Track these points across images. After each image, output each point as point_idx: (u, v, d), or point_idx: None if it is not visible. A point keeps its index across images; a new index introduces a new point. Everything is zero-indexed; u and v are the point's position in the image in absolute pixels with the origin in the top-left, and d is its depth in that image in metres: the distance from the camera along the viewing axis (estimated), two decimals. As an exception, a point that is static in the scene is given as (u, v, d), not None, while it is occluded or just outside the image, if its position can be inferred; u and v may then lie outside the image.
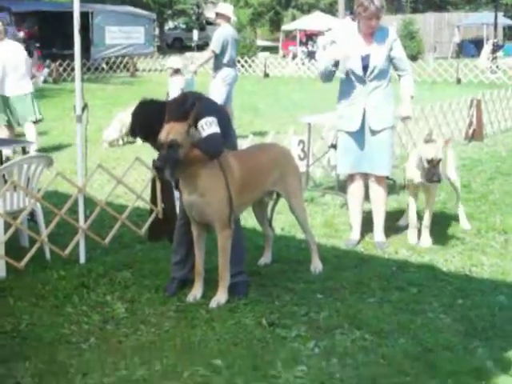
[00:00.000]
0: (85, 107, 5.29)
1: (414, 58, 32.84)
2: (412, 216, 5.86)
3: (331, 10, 49.03)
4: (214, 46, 10.44)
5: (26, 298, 4.72)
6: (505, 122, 12.43)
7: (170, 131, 4.22)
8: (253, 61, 27.13)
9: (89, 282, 5.00)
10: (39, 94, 17.66)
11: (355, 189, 5.84)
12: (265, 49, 46.77)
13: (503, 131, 12.13)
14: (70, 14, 20.95)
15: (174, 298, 4.72)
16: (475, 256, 5.53)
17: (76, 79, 5.32)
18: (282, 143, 7.45)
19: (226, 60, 10.53)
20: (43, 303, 4.64)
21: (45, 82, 22.40)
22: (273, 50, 43.48)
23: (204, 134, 4.33)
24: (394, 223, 6.29)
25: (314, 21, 37.79)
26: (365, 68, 5.55)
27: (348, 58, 5.51)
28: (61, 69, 23.68)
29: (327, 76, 5.65)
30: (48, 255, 5.45)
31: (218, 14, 10.75)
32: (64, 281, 5.03)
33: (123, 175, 5.83)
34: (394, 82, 5.79)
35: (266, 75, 26.16)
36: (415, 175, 5.65)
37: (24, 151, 6.11)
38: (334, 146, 6.97)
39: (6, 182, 5.24)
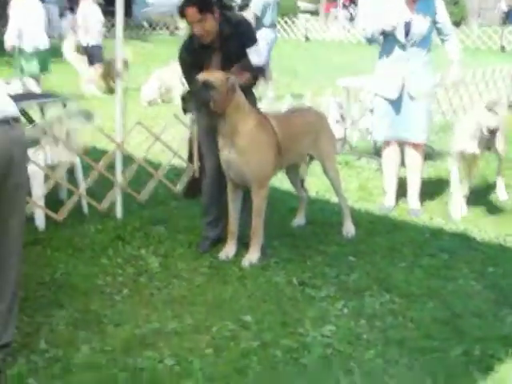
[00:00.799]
0: (125, 64, 5.33)
1: (457, 24, 32.16)
2: (457, 187, 5.69)
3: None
4: (255, 8, 10.44)
5: (63, 249, 4.84)
6: None
7: (209, 74, 4.29)
8: (293, 22, 26.80)
9: (124, 236, 5.11)
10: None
11: (391, 154, 5.82)
12: (305, 11, 46.33)
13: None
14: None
15: (207, 254, 4.80)
16: (511, 226, 5.49)
17: (117, 36, 5.35)
18: (319, 105, 7.48)
19: (266, 22, 10.51)
20: (79, 255, 4.77)
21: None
22: (314, 13, 42.92)
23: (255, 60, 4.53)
24: (431, 190, 6.25)
25: (357, -17, 37.06)
26: (406, 34, 5.48)
27: (394, 28, 5.44)
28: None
29: (373, 42, 5.64)
30: (86, 209, 5.57)
31: None
32: (100, 234, 5.16)
33: (161, 133, 5.89)
34: (434, 50, 5.72)
35: (307, 38, 25.87)
36: (469, 145, 5.42)
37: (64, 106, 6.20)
38: (372, 110, 6.92)
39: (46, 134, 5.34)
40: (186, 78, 4.74)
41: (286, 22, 26.33)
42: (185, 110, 4.37)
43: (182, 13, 4.49)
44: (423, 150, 5.85)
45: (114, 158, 5.53)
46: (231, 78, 4.29)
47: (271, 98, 10.50)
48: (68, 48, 12.60)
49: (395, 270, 4.56)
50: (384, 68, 5.66)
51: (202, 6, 4.38)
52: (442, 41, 5.71)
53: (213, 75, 4.29)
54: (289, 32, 26.22)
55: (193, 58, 4.57)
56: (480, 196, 6.20)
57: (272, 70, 11.39)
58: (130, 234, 5.16)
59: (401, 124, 5.63)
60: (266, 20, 10.50)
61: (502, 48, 21.65)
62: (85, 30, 12.20)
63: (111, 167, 5.64)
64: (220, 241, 4.91)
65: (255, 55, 4.58)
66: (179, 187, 5.99)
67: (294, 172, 5.27)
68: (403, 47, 5.53)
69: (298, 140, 4.79)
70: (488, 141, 5.33)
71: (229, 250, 4.75)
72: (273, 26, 10.74)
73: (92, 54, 12.28)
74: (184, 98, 4.28)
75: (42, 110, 6.34)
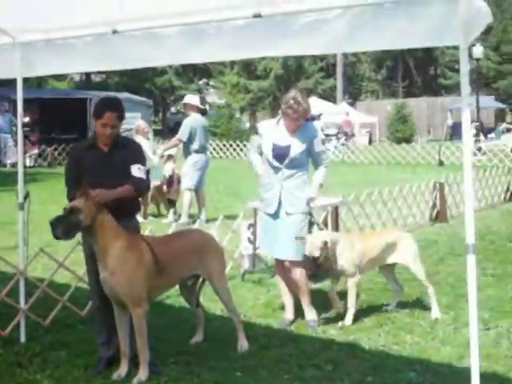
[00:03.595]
0: (27, 195, 5.66)
1: (406, 140, 33.66)
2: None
3: (332, 94, 50.39)
4: (181, 134, 11.03)
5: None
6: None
7: (75, 200, 4.63)
8: (244, 145, 27.82)
9: (23, 361, 5.24)
10: (31, 177, 18.35)
11: (280, 270, 6.15)
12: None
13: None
14: (70, 101, 22.36)
15: (101, 375, 4.95)
16: (400, 335, 5.75)
17: (19, 168, 5.72)
18: (231, 227, 7.87)
19: (195, 147, 11.07)
20: (-26, 381, 4.89)
21: (37, 164, 23.15)
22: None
23: (138, 175, 4.84)
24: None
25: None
26: (283, 157, 5.94)
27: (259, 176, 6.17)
28: (56, 153, 24.41)
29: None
30: (-9, 334, 5.72)
31: (186, 105, 11.39)
32: (0, 359, 5.29)
33: (65, 258, 6.16)
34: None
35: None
36: None
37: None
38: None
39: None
40: (68, 182, 5.01)
41: (237, 145, 27.35)
42: (55, 235, 4.62)
43: (101, 114, 4.85)
44: (304, 265, 5.99)
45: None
46: (95, 202, 4.59)
47: (203, 220, 10.87)
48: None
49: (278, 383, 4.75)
50: (264, 189, 6.09)
51: (121, 114, 4.89)
52: (315, 168, 6.17)
53: (78, 200, 4.60)
54: (238, 152, 27.17)
55: (82, 154, 4.96)
56: (376, 306, 6.49)
57: (205, 193, 11.81)
58: (28, 359, 5.27)
59: (277, 242, 5.98)
60: (195, 145, 11.06)
61: (441, 162, 22.70)
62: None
63: (15, 292, 5.84)
64: (115, 361, 5.07)
65: (139, 172, 4.91)
66: (86, 311, 6.17)
67: (187, 291, 5.52)
68: (279, 169, 5.97)
69: (179, 262, 5.04)
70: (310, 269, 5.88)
71: (121, 369, 4.91)
72: (203, 150, 11.28)
73: None
74: (52, 224, 4.56)
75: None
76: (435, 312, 6.23)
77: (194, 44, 4.43)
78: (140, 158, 5.06)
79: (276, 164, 5.97)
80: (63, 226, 4.53)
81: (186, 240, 5.25)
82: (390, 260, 6.33)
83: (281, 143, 5.95)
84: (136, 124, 12.45)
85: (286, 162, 5.94)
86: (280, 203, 5.96)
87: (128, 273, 4.68)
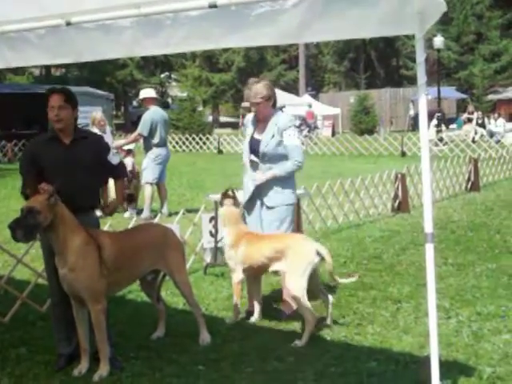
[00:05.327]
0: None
1: (369, 131, 33.93)
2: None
3: (295, 86, 50.52)
4: (142, 128, 10.91)
5: None
6: (433, 193, 12.91)
7: (32, 199, 4.53)
8: (207, 138, 27.77)
9: (-18, 359, 5.17)
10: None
11: None
12: (227, 124, 47.96)
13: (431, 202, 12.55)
14: (29, 95, 22.02)
15: (62, 372, 4.89)
16: (362, 325, 5.79)
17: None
18: (193, 220, 7.83)
19: (156, 141, 10.97)
20: None
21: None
22: (235, 125, 44.51)
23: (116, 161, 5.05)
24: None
25: (271, 98, 38.74)
26: (256, 152, 5.93)
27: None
28: (16, 148, 24.04)
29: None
30: None
31: (144, 100, 11.28)
32: (-42, 358, 5.19)
33: (24, 254, 6.06)
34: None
35: (220, 152, 26.75)
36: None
37: None
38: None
39: None
40: (23, 176, 4.94)
41: (200, 139, 27.29)
42: (15, 239, 4.52)
43: (47, 99, 4.87)
44: None
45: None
46: (51, 198, 4.50)
47: (165, 214, 10.81)
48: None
49: (240, 377, 4.73)
50: (246, 183, 6.09)
51: (68, 97, 4.87)
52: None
53: (35, 200, 4.51)
54: (201, 145, 27.13)
55: (41, 147, 4.90)
56: (338, 297, 6.52)
57: (167, 187, 11.74)
58: (-13, 357, 5.21)
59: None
60: (156, 139, 10.96)
61: (403, 153, 22.92)
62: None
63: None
64: (76, 357, 5.01)
65: (115, 158, 5.06)
66: (46, 307, 6.09)
67: (147, 286, 5.48)
68: (256, 164, 5.97)
69: (138, 257, 5.00)
70: None
71: (82, 365, 4.86)
72: (163, 144, 11.19)
73: None
74: (11, 227, 4.45)
75: None
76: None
77: (149, 35, 4.35)
78: (106, 146, 5.10)
79: (254, 159, 5.96)
80: (23, 229, 4.44)
81: (145, 234, 5.20)
82: (274, 267, 5.67)
83: (256, 137, 5.97)
84: (92, 116, 11.84)
85: (260, 156, 5.93)
86: (255, 197, 5.97)
87: (87, 269, 4.62)
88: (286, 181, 6.00)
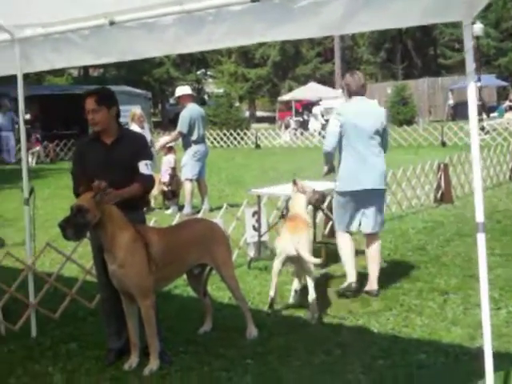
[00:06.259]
0: (32, 191, 5.64)
1: (408, 122, 33.52)
2: None
3: (330, 79, 50.26)
4: (181, 126, 10.98)
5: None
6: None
7: (80, 198, 4.59)
8: (245, 133, 27.81)
9: (35, 355, 5.26)
10: (35, 174, 18.40)
11: (347, 241, 6.56)
12: (264, 119, 47.99)
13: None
14: (69, 96, 22.15)
15: (112, 366, 4.96)
16: (410, 317, 5.75)
17: (23, 163, 5.71)
18: (236, 215, 7.86)
19: (194, 137, 11.05)
20: (-12, 376, 4.91)
21: (40, 161, 23.16)
22: (272, 120, 44.50)
23: (146, 172, 4.87)
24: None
25: (308, 91, 38.71)
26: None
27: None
28: (58, 149, 24.42)
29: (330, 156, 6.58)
30: (3, 330, 5.73)
31: (180, 97, 11.33)
32: (12, 354, 5.31)
33: (72, 252, 6.16)
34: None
35: (258, 146, 26.78)
36: None
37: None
38: (283, 216, 7.33)
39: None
40: (73, 177, 5.03)
41: (238, 134, 27.37)
42: (66, 238, 4.59)
43: (83, 99, 4.90)
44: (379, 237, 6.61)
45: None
46: (97, 196, 4.54)
47: (206, 209, 10.86)
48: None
49: (288, 370, 4.74)
50: (344, 168, 6.38)
51: (101, 98, 4.85)
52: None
53: (83, 198, 4.57)
54: (239, 140, 27.20)
55: (85, 148, 4.99)
56: (386, 289, 6.49)
57: (207, 183, 11.80)
58: (40, 352, 5.30)
59: (360, 216, 6.45)
60: (194, 136, 11.03)
61: (443, 143, 22.65)
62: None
63: (25, 287, 5.85)
64: (126, 352, 5.08)
65: (146, 169, 4.92)
66: (95, 303, 6.18)
67: (195, 280, 5.52)
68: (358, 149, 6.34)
69: (185, 252, 5.04)
70: None
71: (132, 360, 4.93)
72: (201, 140, 11.26)
73: None
74: (61, 226, 4.51)
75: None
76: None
77: (191, 33, 4.40)
78: (147, 153, 5.06)
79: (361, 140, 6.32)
80: (73, 228, 4.50)
81: (192, 230, 5.24)
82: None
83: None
84: (131, 112, 11.78)
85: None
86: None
87: (136, 265, 4.67)
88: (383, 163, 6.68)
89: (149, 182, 4.95)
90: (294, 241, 5.72)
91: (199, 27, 4.32)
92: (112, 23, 4.58)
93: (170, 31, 4.47)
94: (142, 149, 5.02)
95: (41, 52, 5.22)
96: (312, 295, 5.75)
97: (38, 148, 24.11)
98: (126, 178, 4.82)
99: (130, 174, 4.85)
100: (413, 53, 56.46)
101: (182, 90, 11.54)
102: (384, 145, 6.51)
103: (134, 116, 11.62)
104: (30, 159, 23.21)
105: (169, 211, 11.45)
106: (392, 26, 3.89)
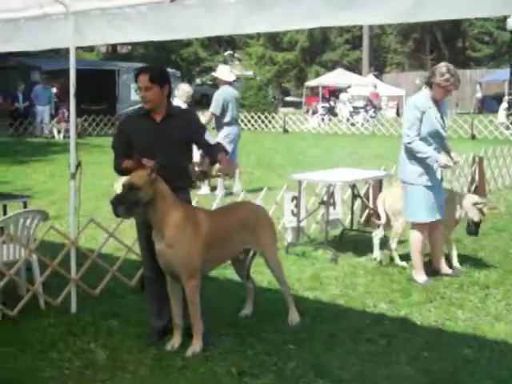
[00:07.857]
0: (78, 165, 5.64)
1: (435, 113, 33.13)
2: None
3: (357, 66, 49.88)
4: (214, 108, 10.90)
5: (14, 344, 4.99)
6: (510, 178, 12.60)
7: (133, 175, 4.56)
8: (273, 117, 27.70)
9: (76, 330, 5.27)
10: (62, 148, 18.47)
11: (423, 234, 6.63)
12: (290, 104, 47.73)
13: (508, 187, 12.29)
14: (99, 72, 22.14)
15: (154, 346, 4.96)
16: (452, 310, 5.70)
17: (71, 139, 5.71)
18: (275, 199, 7.83)
19: (227, 119, 10.96)
20: (29, 349, 4.92)
21: (67, 136, 23.20)
22: (298, 105, 44.27)
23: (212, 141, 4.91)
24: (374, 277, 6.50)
25: (336, 77, 38.43)
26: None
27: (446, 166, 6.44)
28: (86, 124, 24.48)
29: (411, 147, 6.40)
30: (42, 304, 5.75)
31: (217, 78, 11.23)
32: (52, 328, 5.32)
33: (114, 229, 6.16)
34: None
35: (286, 131, 26.68)
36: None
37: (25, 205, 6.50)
38: (323, 203, 7.28)
39: (3, 233, 5.60)
40: (115, 151, 5.01)
41: (266, 117, 27.28)
42: (117, 215, 4.57)
43: (136, 76, 4.88)
44: None
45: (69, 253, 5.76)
46: (152, 174, 4.52)
47: (238, 191, 10.82)
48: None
49: (332, 357, 4.72)
50: (424, 162, 6.33)
51: (154, 76, 4.80)
52: None
53: (136, 176, 4.53)
54: (267, 124, 27.13)
55: (132, 124, 4.97)
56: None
57: (240, 165, 11.75)
58: (81, 328, 5.31)
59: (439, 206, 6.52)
60: (227, 118, 10.95)
61: (473, 136, 22.41)
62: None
63: (67, 262, 5.86)
64: (168, 332, 5.07)
65: (213, 139, 4.95)
66: (135, 281, 6.18)
67: (239, 264, 5.49)
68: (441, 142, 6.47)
69: (232, 236, 5.01)
70: None
71: (174, 340, 4.91)
72: (234, 122, 11.18)
73: None
74: (113, 203, 4.49)
75: (4, 209, 6.60)
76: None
77: (252, 14, 4.34)
78: (202, 125, 5.08)
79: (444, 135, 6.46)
80: (124, 205, 4.48)
81: (239, 213, 5.21)
82: None
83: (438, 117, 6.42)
84: (181, 88, 11.46)
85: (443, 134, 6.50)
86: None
87: (185, 244, 4.64)
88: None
89: (224, 148, 5.00)
90: None
91: (261, 8, 4.26)
92: (173, 0, 4.53)
93: (231, 11, 4.41)
94: (197, 122, 5.04)
95: (95, 26, 5.18)
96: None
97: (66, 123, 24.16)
98: (175, 155, 4.81)
99: (179, 151, 4.83)
100: (441, 44, 55.84)
101: (223, 70, 11.41)
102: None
103: (183, 92, 11.36)
104: (55, 133, 23.32)
105: (200, 191, 11.43)
106: (463, 15, 3.82)
